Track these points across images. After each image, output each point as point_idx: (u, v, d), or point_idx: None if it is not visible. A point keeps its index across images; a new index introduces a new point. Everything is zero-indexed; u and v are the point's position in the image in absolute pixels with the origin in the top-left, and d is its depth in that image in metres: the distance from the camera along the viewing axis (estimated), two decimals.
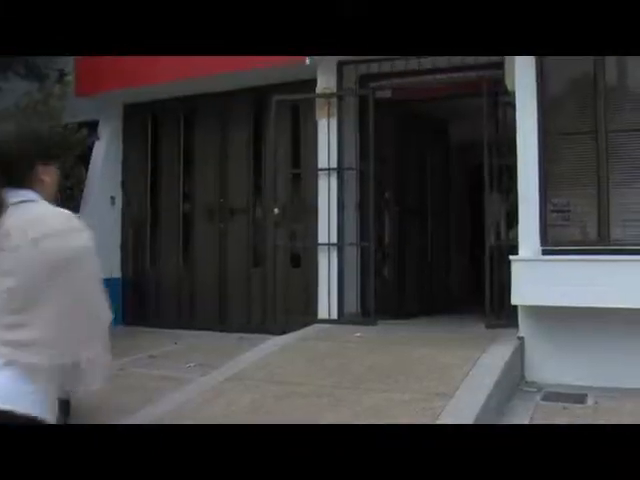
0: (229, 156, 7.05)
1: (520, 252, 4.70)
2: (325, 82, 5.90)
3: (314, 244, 5.95)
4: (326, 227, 5.85)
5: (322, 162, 5.89)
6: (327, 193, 5.86)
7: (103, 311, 1.60)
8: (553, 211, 4.72)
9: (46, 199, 1.60)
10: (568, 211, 4.71)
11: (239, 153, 7.00)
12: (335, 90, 5.88)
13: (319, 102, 5.91)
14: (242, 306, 6.79)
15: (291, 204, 6.19)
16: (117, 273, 7.37)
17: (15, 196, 1.54)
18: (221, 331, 6.57)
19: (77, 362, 1.51)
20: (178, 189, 7.39)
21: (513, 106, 4.80)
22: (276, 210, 6.10)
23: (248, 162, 6.97)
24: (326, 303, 5.76)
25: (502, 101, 5.35)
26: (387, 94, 5.98)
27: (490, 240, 5.40)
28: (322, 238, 5.89)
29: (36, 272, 1.49)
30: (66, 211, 1.58)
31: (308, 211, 6.10)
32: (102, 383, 1.54)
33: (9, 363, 1.46)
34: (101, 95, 7.20)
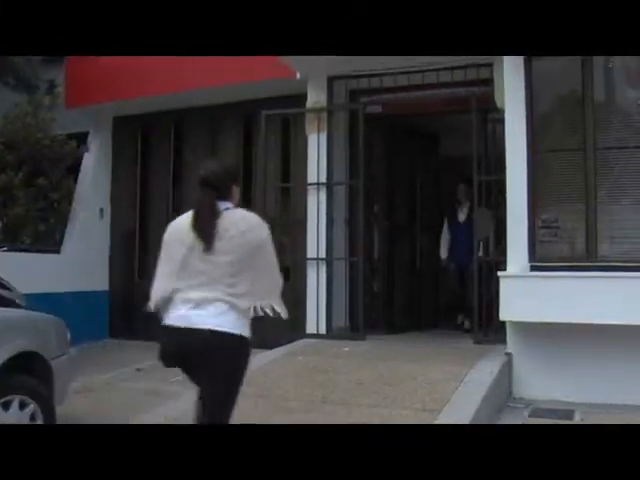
0: None
1: (508, 268, 4.69)
2: (315, 97, 5.91)
3: (303, 258, 5.90)
4: (315, 241, 5.80)
5: (312, 177, 5.88)
6: (316, 208, 5.83)
7: (279, 275, 2.62)
8: (542, 227, 4.71)
9: (236, 206, 2.65)
10: (557, 227, 4.69)
11: None
12: (325, 105, 5.90)
13: (309, 117, 5.92)
14: None
15: (280, 218, 6.18)
16: (105, 285, 7.28)
17: (223, 205, 2.59)
18: None
19: (266, 304, 2.54)
20: (167, 202, 7.39)
21: (502, 122, 4.82)
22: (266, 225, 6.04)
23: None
24: (314, 318, 5.72)
25: (491, 118, 5.37)
26: (377, 109, 6.00)
27: (479, 255, 5.40)
28: (311, 252, 5.84)
29: (243, 251, 2.52)
30: (254, 213, 2.66)
31: (297, 225, 6.08)
32: (285, 314, 2.56)
33: (232, 307, 2.48)
34: (91, 107, 7.18)
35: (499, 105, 4.99)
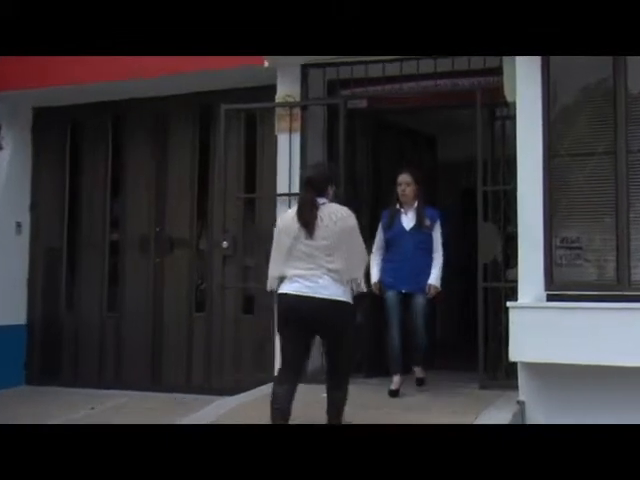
0: (168, 175, 6.98)
1: (520, 297, 4.66)
2: (287, 89, 5.88)
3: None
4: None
5: (282, 185, 5.82)
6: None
7: (365, 254, 4.10)
8: (560, 247, 4.70)
9: (330, 201, 4.02)
10: (579, 248, 4.68)
11: (181, 172, 6.93)
12: (299, 98, 5.86)
13: (279, 113, 5.87)
14: (181, 360, 6.71)
15: (244, 235, 6.12)
16: (21, 318, 7.09)
17: (320, 201, 3.96)
18: (154, 391, 6.43)
19: (355, 278, 3.92)
20: (104, 214, 7.27)
21: (513, 120, 4.81)
22: (225, 243, 6.04)
23: (192, 183, 6.91)
24: None
25: (500, 114, 5.33)
26: (362, 104, 5.97)
27: (484, 281, 5.29)
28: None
29: (337, 236, 3.88)
30: (345, 207, 4.03)
31: (265, 244, 5.54)
32: (364, 287, 3.99)
33: (334, 280, 3.85)
34: (4, 95, 6.96)
35: (509, 99, 4.98)
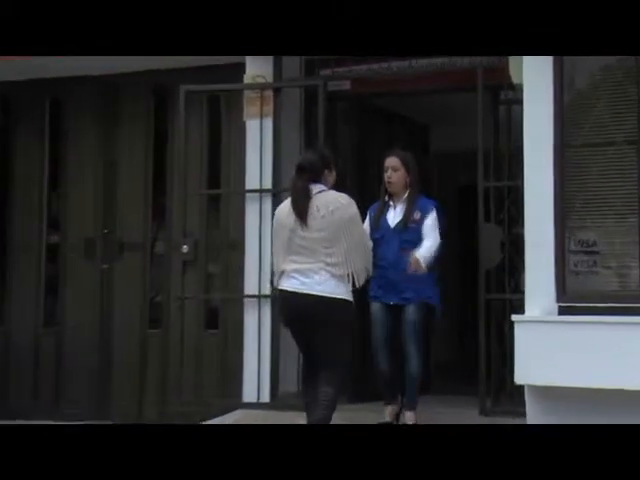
0: (118, 168, 6.77)
1: (527, 310, 4.64)
2: (257, 68, 5.81)
3: (239, 295, 5.79)
4: (256, 271, 5.65)
5: (252, 180, 5.78)
6: (258, 223, 5.67)
7: (369, 243, 4.35)
8: (575, 252, 4.68)
9: (329, 188, 4.20)
10: (596, 252, 4.66)
11: (133, 164, 6.75)
12: (271, 79, 5.81)
13: (248, 96, 5.79)
14: (132, 384, 6.56)
15: (208, 238, 6.02)
16: None
17: (316, 188, 4.11)
18: (100, 421, 6.21)
19: (356, 271, 4.08)
20: (40, 212, 7.05)
21: (520, 105, 4.77)
22: (185, 247, 5.93)
23: (146, 177, 6.71)
24: (254, 379, 5.60)
25: (505, 98, 5.30)
26: (344, 86, 5.96)
27: (486, 292, 5.21)
28: (250, 287, 5.72)
29: (335, 227, 4.04)
30: (344, 194, 4.18)
31: (231, 249, 5.95)
32: (363, 280, 4.17)
33: (332, 275, 4.03)
34: None
35: (515, 81, 4.96)
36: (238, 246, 5.89)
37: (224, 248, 6.12)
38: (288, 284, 4.15)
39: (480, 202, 5.22)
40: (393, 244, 4.81)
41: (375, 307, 4.93)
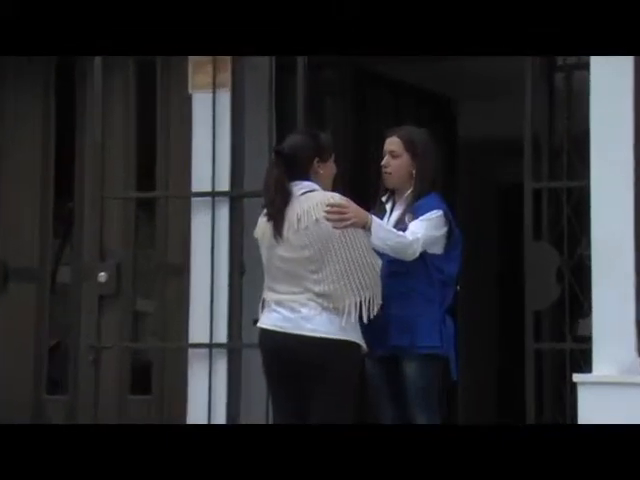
0: (3, 161, 6.17)
1: (596, 366, 4.50)
2: None
3: (181, 344, 5.40)
4: (207, 308, 5.25)
5: (200, 178, 5.36)
6: (210, 239, 5.26)
7: (374, 260, 3.80)
8: None
9: (324, 188, 3.85)
10: None
11: (23, 157, 6.15)
12: None
13: (195, 61, 5.50)
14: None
15: (136, 261, 5.59)
16: None
17: (299, 187, 3.76)
18: None
19: (358, 302, 3.75)
20: None
21: (586, 72, 4.66)
22: (103, 275, 5.44)
23: (43, 176, 6.11)
24: None
25: (563, 62, 5.08)
26: None
27: (536, 340, 5.01)
28: (198, 332, 5.32)
29: (322, 244, 3.70)
30: (337, 195, 3.82)
31: (170, 275, 5.54)
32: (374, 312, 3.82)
33: (324, 309, 3.69)
34: None
35: None
36: (181, 272, 5.44)
37: (160, 276, 5.59)
38: (267, 320, 3.83)
39: (527, 210, 4.89)
40: (384, 267, 4.24)
41: (368, 365, 4.44)
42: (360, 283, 3.76)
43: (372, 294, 3.75)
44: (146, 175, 5.78)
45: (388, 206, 4.39)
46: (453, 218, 4.41)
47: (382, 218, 4.35)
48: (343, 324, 3.71)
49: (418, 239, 4.12)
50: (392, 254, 4.08)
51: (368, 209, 4.38)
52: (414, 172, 4.34)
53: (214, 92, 5.37)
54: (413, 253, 4.09)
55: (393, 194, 4.42)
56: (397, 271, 4.23)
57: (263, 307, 3.91)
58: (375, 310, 3.75)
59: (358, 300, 3.73)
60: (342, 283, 3.74)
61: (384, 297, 4.16)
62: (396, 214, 4.36)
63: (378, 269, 3.84)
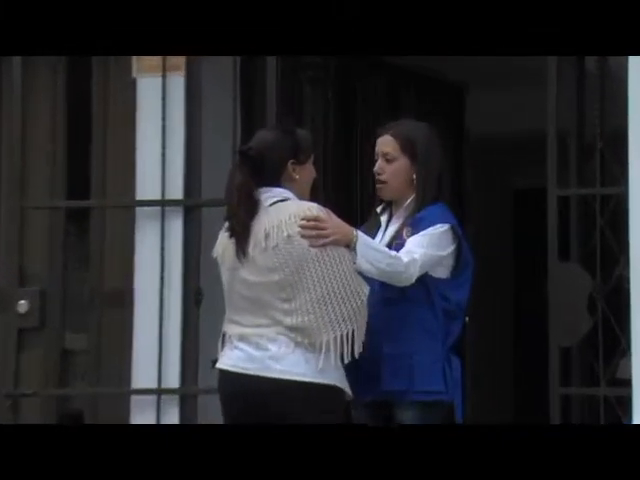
0: None
1: (636, 417, 4.41)
2: None
3: (122, 390, 5.13)
4: (155, 345, 4.98)
5: (147, 184, 5.10)
6: (158, 258, 4.99)
7: (359, 286, 3.46)
8: None
9: (301, 197, 3.55)
10: None
11: None
12: None
13: None
14: None
15: (65, 287, 5.26)
16: None
17: (270, 195, 3.51)
18: None
19: (345, 336, 3.47)
20: None
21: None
22: (23, 303, 5.19)
23: None
24: None
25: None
26: None
27: (562, 384, 4.85)
28: (142, 375, 5.10)
29: (295, 266, 3.41)
30: (315, 206, 3.48)
31: (107, 304, 5.23)
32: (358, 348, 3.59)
33: (298, 345, 3.40)
34: None
35: None
36: (122, 300, 5.08)
37: (96, 304, 5.13)
38: (229, 359, 3.56)
39: (552, 223, 4.68)
40: (375, 294, 4.02)
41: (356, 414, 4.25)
42: (342, 314, 3.50)
43: (356, 327, 3.50)
44: (78, 180, 5.43)
45: (384, 218, 4.13)
46: (462, 233, 4.13)
47: (375, 234, 4.11)
48: (320, 364, 3.42)
49: (415, 260, 3.83)
50: (382, 279, 3.84)
51: (356, 223, 4.16)
52: (414, 178, 4.06)
53: (164, 76, 5.03)
54: (408, 278, 3.82)
55: (390, 204, 4.16)
56: (391, 298, 3.94)
57: (223, 343, 3.63)
58: (359, 347, 3.51)
59: (339, 334, 3.45)
60: (319, 314, 3.47)
61: (374, 330, 3.90)
62: (392, 229, 4.07)
63: (364, 297, 3.58)
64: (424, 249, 3.88)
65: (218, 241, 3.68)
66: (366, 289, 3.56)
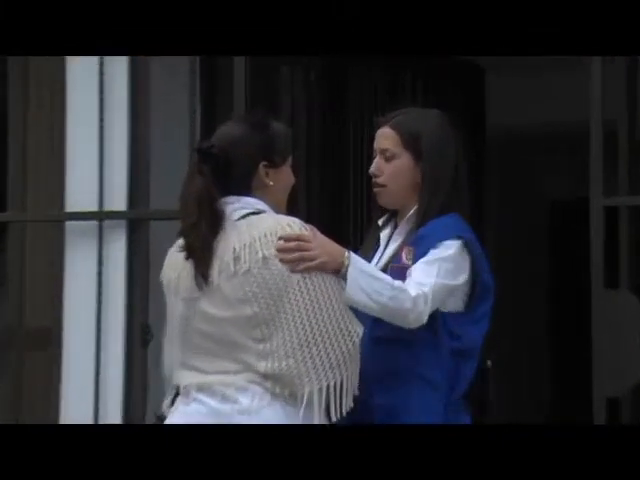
0: None
1: None
2: None
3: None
4: (87, 393, 4.95)
5: (78, 193, 5.04)
6: (94, 285, 4.96)
7: (351, 324, 3.12)
8: None
9: (276, 209, 3.19)
10: None
11: None
12: None
13: None
14: None
15: None
16: None
17: (238, 206, 3.17)
18: None
19: (333, 385, 3.17)
20: None
21: None
22: None
23: None
24: None
25: None
26: None
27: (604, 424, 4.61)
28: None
29: (272, 297, 3.07)
30: (297, 221, 3.11)
31: (29, 342, 5.20)
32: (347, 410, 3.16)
33: (275, 397, 3.10)
34: None
35: None
36: (47, 338, 4.96)
37: (14, 343, 4.92)
38: (184, 415, 3.28)
39: (596, 241, 4.64)
40: (368, 318, 3.69)
41: None
42: (329, 359, 3.19)
43: (345, 376, 3.21)
44: None
45: (385, 234, 3.73)
46: (481, 252, 3.68)
47: (373, 255, 3.70)
48: (302, 421, 3.13)
49: (426, 295, 3.43)
50: (383, 317, 3.46)
51: (348, 243, 3.72)
52: (420, 181, 3.69)
53: (102, 62, 4.82)
54: (417, 318, 3.43)
55: (395, 215, 3.79)
56: (386, 337, 3.55)
57: (176, 395, 3.27)
58: (349, 400, 3.21)
59: (324, 385, 3.13)
60: (301, 359, 3.13)
61: (365, 379, 3.56)
62: (393, 248, 3.65)
63: (357, 339, 3.25)
64: (434, 278, 3.50)
65: (167, 262, 3.27)
66: (359, 329, 3.21)
